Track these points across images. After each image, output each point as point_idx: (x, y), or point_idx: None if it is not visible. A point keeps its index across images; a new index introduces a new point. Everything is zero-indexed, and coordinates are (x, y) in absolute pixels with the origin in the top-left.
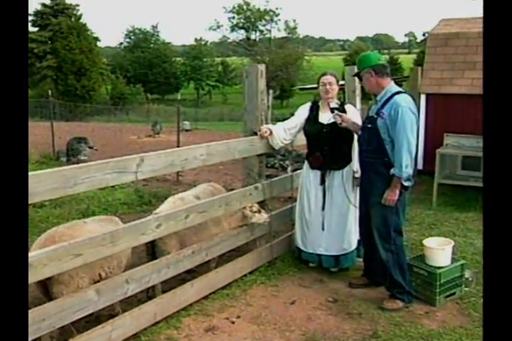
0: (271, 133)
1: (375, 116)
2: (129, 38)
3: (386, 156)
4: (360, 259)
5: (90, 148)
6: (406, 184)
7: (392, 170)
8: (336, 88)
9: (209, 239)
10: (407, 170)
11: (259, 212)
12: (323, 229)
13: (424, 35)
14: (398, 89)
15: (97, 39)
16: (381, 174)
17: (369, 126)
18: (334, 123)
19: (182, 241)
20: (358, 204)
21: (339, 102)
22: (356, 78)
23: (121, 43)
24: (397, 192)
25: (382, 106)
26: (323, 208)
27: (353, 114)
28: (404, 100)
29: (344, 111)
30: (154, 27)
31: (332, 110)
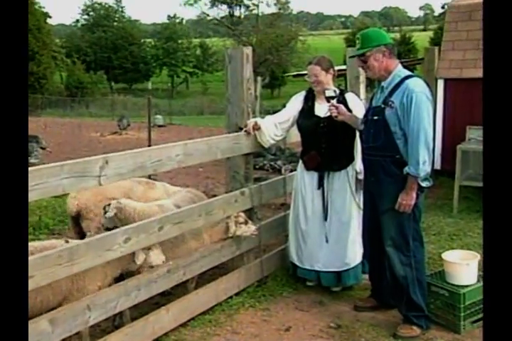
0: (259, 128)
1: (383, 106)
2: (87, 14)
3: (397, 153)
4: (366, 276)
5: (42, 148)
6: (424, 184)
7: (406, 169)
8: (324, 78)
9: (187, 255)
10: (425, 168)
11: (245, 223)
12: (326, 241)
13: (443, 7)
14: (408, 72)
15: (46, 15)
16: (393, 175)
17: (375, 118)
18: None
19: None
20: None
21: (338, 90)
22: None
23: (77, 21)
24: (414, 195)
25: (391, 93)
26: (323, 216)
27: (355, 105)
28: (418, 85)
29: (344, 101)
30: (118, 1)
31: (328, 99)
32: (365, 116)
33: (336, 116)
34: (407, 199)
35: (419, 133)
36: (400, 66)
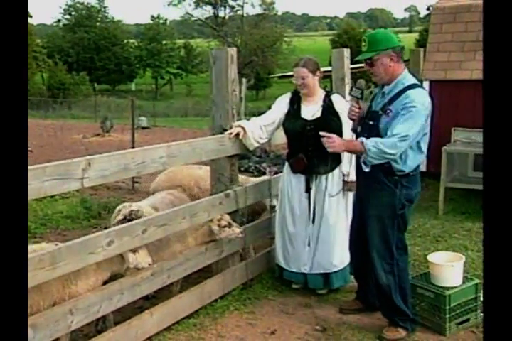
0: (244, 132)
1: (380, 113)
2: (69, 14)
3: (386, 162)
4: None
5: None
6: (362, 162)
7: (368, 141)
8: (311, 81)
9: (171, 258)
10: (377, 155)
11: (229, 226)
12: (309, 244)
13: (428, 9)
14: (412, 80)
15: None
16: (379, 182)
17: (370, 123)
18: (320, 118)
19: None
20: (349, 213)
21: (324, 92)
22: (348, 63)
23: (58, 20)
24: (344, 148)
25: (390, 101)
26: (310, 219)
27: (342, 107)
28: (420, 96)
29: (331, 103)
30: (100, 1)
31: (361, 90)
32: (364, 119)
33: (354, 119)
34: (335, 141)
35: (402, 138)
36: (405, 72)
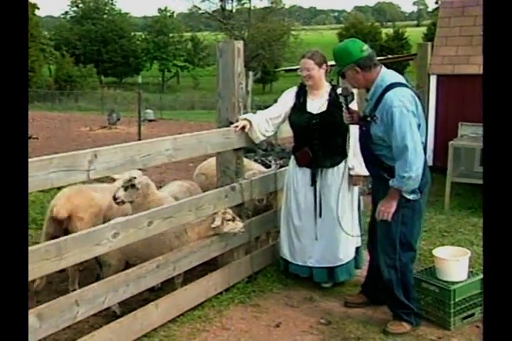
0: (250, 125)
1: (369, 119)
2: (77, 6)
3: (385, 163)
4: (359, 270)
5: (28, 138)
6: (410, 197)
7: (390, 182)
8: (317, 73)
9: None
10: (410, 182)
11: (233, 219)
12: (316, 238)
13: (436, 2)
14: (390, 80)
15: (34, 6)
16: (383, 179)
17: (363, 128)
18: (325, 112)
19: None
20: (355, 207)
21: (330, 86)
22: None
23: (66, 12)
24: (394, 204)
25: (375, 106)
26: (314, 212)
27: None
28: (396, 99)
29: (336, 96)
30: None
31: (344, 97)
32: (359, 123)
33: (351, 123)
34: (386, 207)
35: (403, 151)
36: (381, 73)
